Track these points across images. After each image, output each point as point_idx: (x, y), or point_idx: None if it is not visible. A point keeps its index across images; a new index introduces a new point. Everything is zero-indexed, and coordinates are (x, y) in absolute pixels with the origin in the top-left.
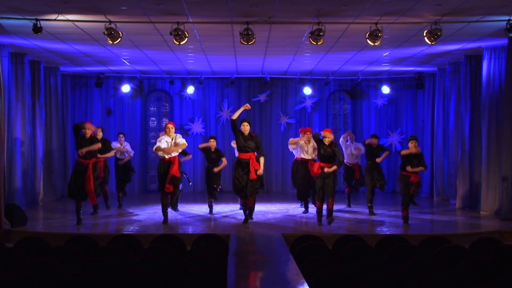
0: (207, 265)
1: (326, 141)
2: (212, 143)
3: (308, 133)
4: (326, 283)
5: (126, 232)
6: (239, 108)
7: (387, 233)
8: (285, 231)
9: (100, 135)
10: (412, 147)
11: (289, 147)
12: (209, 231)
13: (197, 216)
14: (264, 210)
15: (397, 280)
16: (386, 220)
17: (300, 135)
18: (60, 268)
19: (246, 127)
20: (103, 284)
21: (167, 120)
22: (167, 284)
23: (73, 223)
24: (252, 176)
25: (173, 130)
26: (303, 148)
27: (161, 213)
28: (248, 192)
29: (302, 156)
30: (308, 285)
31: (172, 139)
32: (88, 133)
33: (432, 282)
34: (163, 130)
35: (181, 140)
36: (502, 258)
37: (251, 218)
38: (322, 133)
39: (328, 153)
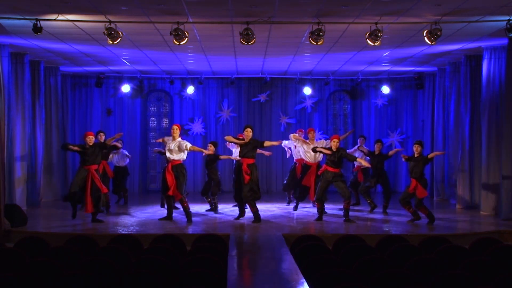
0: (207, 265)
1: (334, 146)
2: (211, 147)
3: (312, 132)
4: (326, 283)
5: (126, 232)
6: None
7: (387, 233)
8: (285, 231)
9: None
10: (414, 150)
11: (288, 142)
12: (209, 231)
13: (197, 216)
14: (264, 210)
15: (397, 280)
16: (387, 219)
17: (298, 135)
18: (60, 268)
19: (249, 133)
20: (103, 284)
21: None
22: (167, 284)
23: (73, 223)
24: (245, 179)
25: (178, 131)
26: (304, 150)
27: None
28: (243, 198)
29: (306, 159)
30: (308, 285)
31: (174, 143)
32: (94, 140)
33: (432, 282)
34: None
35: (182, 145)
36: (502, 258)
37: (259, 221)
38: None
39: (337, 159)
